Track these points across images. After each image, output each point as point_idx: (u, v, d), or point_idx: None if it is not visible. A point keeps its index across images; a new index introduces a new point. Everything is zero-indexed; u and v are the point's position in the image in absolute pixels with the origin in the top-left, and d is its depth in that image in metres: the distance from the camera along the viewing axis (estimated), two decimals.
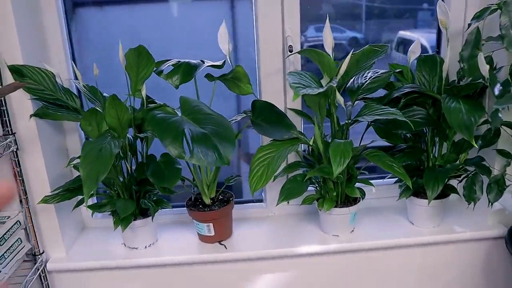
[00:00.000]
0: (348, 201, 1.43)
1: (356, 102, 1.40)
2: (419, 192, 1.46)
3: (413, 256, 1.50)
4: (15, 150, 1.31)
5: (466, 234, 1.47)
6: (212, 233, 1.44)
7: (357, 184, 1.43)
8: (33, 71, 1.27)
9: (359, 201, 1.43)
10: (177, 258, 1.43)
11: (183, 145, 1.07)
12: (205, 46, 1.58)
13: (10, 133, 1.29)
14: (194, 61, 1.33)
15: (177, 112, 1.19)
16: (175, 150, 1.06)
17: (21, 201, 1.35)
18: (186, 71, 1.29)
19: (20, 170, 1.33)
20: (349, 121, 1.33)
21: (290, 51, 1.42)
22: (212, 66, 1.36)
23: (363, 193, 1.42)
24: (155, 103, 1.41)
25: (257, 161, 1.25)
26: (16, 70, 1.25)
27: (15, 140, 1.30)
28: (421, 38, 1.72)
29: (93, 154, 1.09)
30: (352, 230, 1.50)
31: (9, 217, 1.34)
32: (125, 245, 1.48)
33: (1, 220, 1.33)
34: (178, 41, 1.60)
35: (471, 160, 1.40)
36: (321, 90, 1.07)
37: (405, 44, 1.70)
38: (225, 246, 1.45)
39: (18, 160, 1.32)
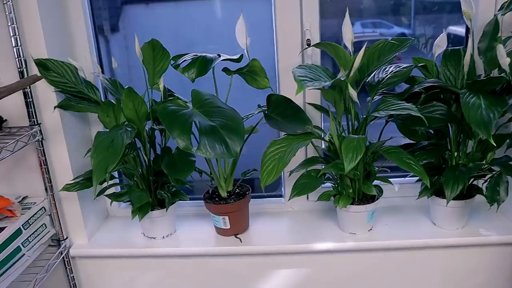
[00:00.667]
0: (366, 198, 1.40)
1: (377, 97, 1.36)
2: (442, 192, 1.40)
3: (435, 259, 1.44)
4: (40, 139, 1.37)
5: (492, 238, 1.39)
6: (228, 226, 1.45)
7: (376, 182, 1.40)
8: (56, 64, 1.32)
9: (377, 199, 1.39)
10: (193, 250, 1.45)
11: (191, 138, 1.09)
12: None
13: (36, 123, 1.36)
14: (211, 55, 1.34)
15: (189, 105, 1.20)
16: (182, 142, 1.08)
17: (46, 189, 1.42)
18: (202, 64, 1.30)
19: (45, 159, 1.39)
20: (366, 116, 1.29)
21: (308, 45, 1.40)
22: (229, 59, 1.36)
23: (380, 191, 1.38)
24: (175, 96, 1.43)
25: (269, 155, 1.25)
26: (41, 64, 1.31)
27: (40, 130, 1.36)
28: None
29: (104, 144, 1.13)
30: (371, 229, 1.46)
31: (35, 203, 1.41)
32: (144, 234, 1.52)
33: (27, 206, 1.40)
34: (221, 37, 1.61)
35: (497, 160, 1.33)
36: (327, 83, 1.05)
37: (453, 39, 1.62)
38: (240, 240, 1.45)
39: (43, 150, 1.38)
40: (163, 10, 1.61)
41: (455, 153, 1.38)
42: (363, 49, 1.17)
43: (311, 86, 1.03)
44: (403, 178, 1.58)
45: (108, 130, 1.28)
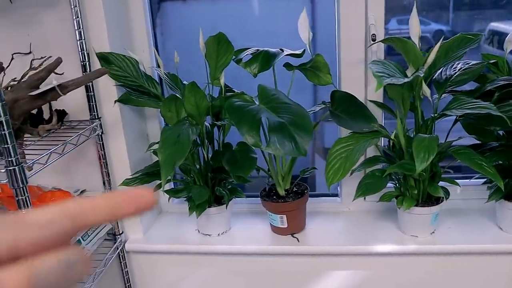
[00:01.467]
0: (430, 200, 1.34)
1: (444, 95, 1.31)
2: (511, 196, 1.34)
3: (501, 265, 1.38)
4: (100, 133, 1.37)
5: None
6: (285, 225, 1.42)
7: (441, 183, 1.34)
8: (118, 58, 1.32)
9: (442, 201, 1.34)
10: (249, 248, 1.43)
11: (260, 134, 1.06)
12: (284, 38, 1.56)
13: (96, 117, 1.36)
14: (273, 50, 1.31)
15: (255, 101, 1.18)
16: (251, 138, 1.05)
17: (104, 183, 1.42)
18: (265, 59, 1.28)
19: (104, 153, 1.39)
20: (436, 115, 1.24)
21: (373, 40, 1.36)
22: (292, 55, 1.33)
23: (447, 193, 1.32)
24: (233, 91, 1.41)
25: (335, 153, 1.21)
26: (103, 57, 1.31)
27: (100, 124, 1.36)
28: None
29: (171, 139, 1.12)
30: (433, 232, 1.41)
31: None
32: (199, 231, 1.50)
33: None
34: (257, 35, 1.59)
35: None
36: (406, 80, 1.00)
37: (498, 36, 1.56)
38: (297, 239, 1.42)
39: (102, 143, 1.38)
40: (200, 7, 1.59)
41: None
42: (438, 44, 1.12)
43: (390, 82, 0.99)
44: (468, 180, 1.52)
45: (170, 125, 1.27)
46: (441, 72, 1.31)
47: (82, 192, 1.44)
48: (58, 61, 1.16)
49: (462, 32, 1.56)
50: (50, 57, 1.31)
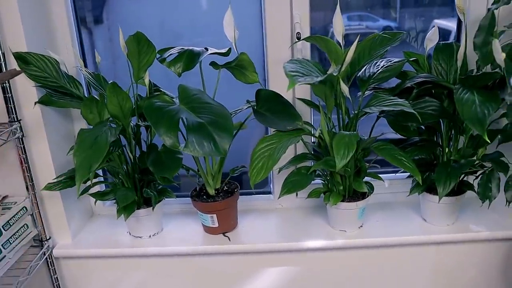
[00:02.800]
0: (356, 195, 1.37)
1: (368, 92, 1.34)
2: (433, 188, 1.39)
3: (426, 255, 1.43)
4: (20, 136, 1.32)
5: (483, 234, 1.39)
6: (216, 225, 1.42)
7: (367, 178, 1.38)
8: (37, 58, 1.27)
9: (367, 196, 1.37)
10: (181, 249, 1.41)
11: (178, 135, 1.05)
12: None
13: (16, 120, 1.30)
14: (198, 49, 1.30)
15: (176, 101, 1.16)
16: (169, 139, 1.04)
17: (27, 187, 1.37)
18: (189, 58, 1.26)
19: (26, 156, 1.34)
20: (357, 112, 1.27)
21: (298, 38, 1.37)
22: (217, 53, 1.32)
23: (371, 188, 1.36)
24: (160, 91, 1.39)
25: (258, 152, 1.21)
26: (20, 57, 1.25)
27: (20, 126, 1.31)
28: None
29: (88, 142, 1.09)
30: (361, 226, 1.44)
31: (15, 202, 1.36)
32: (130, 233, 1.48)
33: (7, 206, 1.35)
34: (207, 30, 1.57)
35: (488, 156, 1.32)
36: (319, 78, 1.02)
37: (441, 33, 1.60)
38: (228, 238, 1.42)
39: (23, 147, 1.33)
40: (148, 1, 1.56)
41: (446, 149, 1.36)
42: (355, 43, 1.14)
43: (303, 81, 1.00)
44: (394, 174, 1.56)
45: (91, 127, 1.24)
46: (364, 70, 1.34)
47: (4, 198, 1.38)
48: None
49: (408, 28, 1.60)
50: None
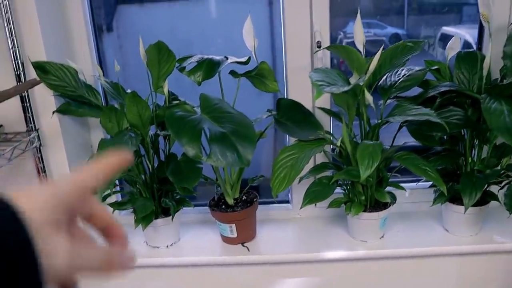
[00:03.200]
0: (378, 205, 1.35)
1: (389, 101, 1.32)
2: (456, 198, 1.36)
3: (448, 266, 1.40)
4: (38, 146, 1.31)
5: (507, 245, 1.35)
6: (235, 235, 1.40)
7: (388, 188, 1.35)
8: (56, 67, 1.26)
9: (390, 206, 1.35)
10: (199, 259, 1.39)
11: (200, 145, 1.03)
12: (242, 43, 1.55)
13: (34, 129, 1.29)
14: (218, 57, 1.29)
15: (197, 111, 1.15)
16: (192, 150, 1.02)
17: None
18: (209, 67, 1.25)
19: (43, 166, 1.33)
20: (380, 121, 1.24)
21: (318, 47, 1.35)
22: (237, 62, 1.31)
23: (394, 198, 1.33)
24: (179, 99, 1.38)
25: (280, 162, 1.19)
26: (39, 67, 1.25)
27: (38, 136, 1.30)
28: (466, 34, 1.61)
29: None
30: (382, 236, 1.41)
31: None
32: (147, 243, 1.46)
33: None
34: (216, 38, 1.57)
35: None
36: (346, 88, 1.00)
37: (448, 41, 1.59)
38: (247, 248, 1.40)
39: (41, 156, 1.32)
40: (158, 10, 1.56)
41: (470, 159, 1.34)
42: (379, 52, 1.13)
43: (329, 91, 0.98)
44: (415, 184, 1.54)
45: (110, 136, 1.23)
46: (385, 78, 1.32)
47: None
48: None
49: (416, 35, 1.59)
50: None
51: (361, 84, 1.01)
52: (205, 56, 1.29)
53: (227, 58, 1.29)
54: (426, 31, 1.60)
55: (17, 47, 1.22)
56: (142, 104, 1.21)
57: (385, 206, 1.35)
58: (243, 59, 1.31)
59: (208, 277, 1.44)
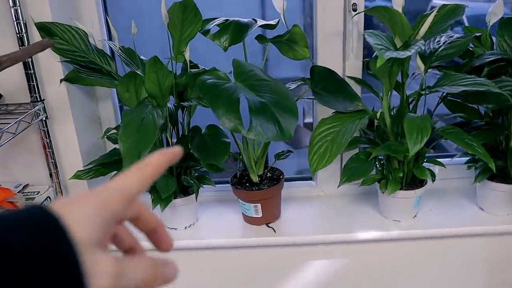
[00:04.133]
0: (414, 183, 1.26)
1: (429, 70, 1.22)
2: (494, 175, 1.28)
3: (484, 246, 1.33)
4: (44, 119, 1.17)
5: None
6: (260, 215, 1.30)
7: (424, 164, 1.27)
8: (63, 29, 1.12)
9: (426, 183, 1.26)
10: (220, 241, 1.29)
11: (239, 116, 0.92)
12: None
13: (39, 100, 1.15)
14: (245, 20, 1.16)
15: (230, 78, 1.03)
16: (229, 122, 0.91)
17: (51, 175, 1.22)
18: (236, 30, 1.12)
19: (50, 141, 1.20)
20: (424, 91, 1.14)
21: (354, 10, 1.24)
22: (265, 26, 1.18)
23: (433, 175, 1.25)
24: (198, 67, 1.25)
25: (319, 136, 1.09)
26: (44, 28, 1.10)
27: (44, 107, 1.16)
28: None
29: (134, 125, 0.94)
30: (415, 215, 1.33)
31: (38, 192, 1.22)
32: None
33: (30, 196, 1.20)
34: (225, 4, 1.43)
35: None
36: (408, 53, 0.89)
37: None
38: (273, 229, 1.31)
39: (47, 130, 1.19)
40: None
41: None
42: (433, 13, 1.01)
43: (391, 55, 0.87)
44: (449, 159, 1.45)
45: (128, 108, 1.10)
46: (424, 46, 1.21)
47: (25, 187, 1.24)
48: None
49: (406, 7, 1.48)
50: None
51: (422, 47, 0.90)
52: (231, 18, 1.16)
53: (255, 21, 1.16)
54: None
55: (19, 5, 1.07)
56: (163, 71, 1.08)
57: (421, 183, 1.26)
58: (273, 22, 1.18)
59: (230, 260, 1.34)
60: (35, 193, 1.22)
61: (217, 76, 0.99)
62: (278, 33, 1.20)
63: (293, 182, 1.50)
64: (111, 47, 1.27)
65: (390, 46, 0.97)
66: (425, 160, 1.26)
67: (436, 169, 1.47)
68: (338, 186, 1.18)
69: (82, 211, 0.29)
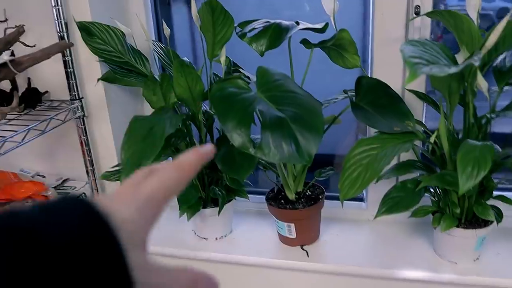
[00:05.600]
0: (476, 221, 1.06)
1: (506, 88, 1.01)
2: None
3: None
4: (81, 116, 1.18)
5: None
6: (294, 235, 1.19)
7: (492, 201, 1.06)
8: (101, 29, 1.11)
9: (491, 224, 1.05)
10: (250, 259, 1.21)
11: (249, 132, 0.82)
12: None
13: (77, 98, 1.16)
14: (287, 22, 1.05)
15: (253, 87, 0.93)
16: (239, 138, 0.81)
17: (87, 172, 1.23)
18: (275, 34, 1.02)
19: (87, 138, 1.20)
20: (492, 114, 0.94)
21: (417, 13, 1.06)
22: (310, 29, 1.06)
23: (499, 215, 1.03)
24: (240, 72, 1.17)
25: (353, 158, 0.94)
26: (84, 28, 1.10)
27: (81, 105, 1.17)
28: None
29: (140, 133, 0.89)
30: (477, 258, 1.12)
31: (75, 187, 1.24)
32: (195, 233, 1.30)
33: (66, 190, 1.23)
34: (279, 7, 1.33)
35: None
36: (453, 70, 0.72)
37: None
38: (307, 253, 1.19)
39: (85, 128, 1.19)
40: None
41: None
42: (504, 20, 0.82)
43: (428, 72, 0.71)
44: None
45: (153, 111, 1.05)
46: (504, 58, 1.00)
47: (65, 181, 1.27)
48: (19, 31, 0.96)
49: None
50: (23, 25, 1.11)
51: (475, 64, 0.72)
52: (272, 21, 1.06)
53: (298, 24, 1.05)
54: None
55: (61, 5, 1.08)
56: (192, 75, 1.02)
57: (485, 223, 1.05)
58: (318, 26, 1.06)
59: (259, 279, 1.25)
60: (72, 188, 1.24)
61: (237, 85, 0.90)
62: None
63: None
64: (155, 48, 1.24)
65: (440, 59, 0.80)
66: (492, 196, 1.05)
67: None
68: (375, 218, 1.02)
69: (130, 205, 0.29)
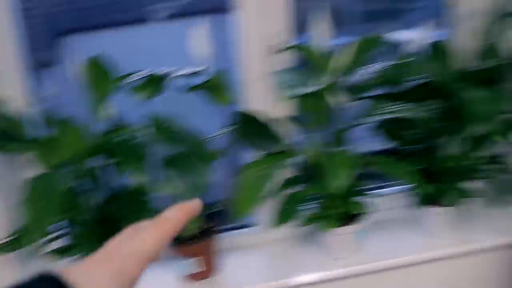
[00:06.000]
0: (352, 218, 1.23)
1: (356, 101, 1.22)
2: (433, 200, 1.27)
3: (432, 273, 1.31)
4: None
5: (488, 243, 1.28)
6: (196, 270, 1.23)
7: (360, 198, 1.24)
8: None
9: (362, 217, 1.23)
10: None
11: (145, 171, 0.88)
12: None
13: None
14: (163, 71, 1.15)
15: (145, 132, 1.00)
16: (138, 178, 0.87)
17: None
18: (155, 83, 1.11)
19: None
20: (349, 124, 1.13)
21: (277, 51, 1.24)
22: (186, 75, 1.17)
23: (367, 208, 1.22)
24: (126, 123, 1.21)
25: (244, 179, 1.05)
26: None
27: None
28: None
29: (39, 192, 0.89)
30: (360, 250, 1.30)
31: None
32: None
33: None
34: (166, 59, 1.43)
35: (491, 159, 1.21)
36: (313, 89, 0.88)
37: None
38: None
39: None
40: (104, 39, 1.42)
41: (445, 155, 1.25)
42: (352, 46, 1.02)
43: (294, 93, 0.86)
44: (390, 188, 1.44)
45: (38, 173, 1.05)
46: (352, 77, 1.22)
47: None
48: None
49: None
50: None
51: (330, 82, 0.89)
52: (149, 72, 1.14)
53: (173, 71, 1.15)
54: None
55: None
56: (76, 133, 1.04)
57: (358, 217, 1.24)
58: (193, 71, 1.17)
59: None
60: None
61: (129, 132, 0.96)
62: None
63: (235, 230, 1.44)
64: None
65: (306, 82, 0.97)
66: (361, 194, 1.24)
67: (375, 201, 1.44)
68: (273, 228, 1.13)
69: (95, 277, 0.27)
